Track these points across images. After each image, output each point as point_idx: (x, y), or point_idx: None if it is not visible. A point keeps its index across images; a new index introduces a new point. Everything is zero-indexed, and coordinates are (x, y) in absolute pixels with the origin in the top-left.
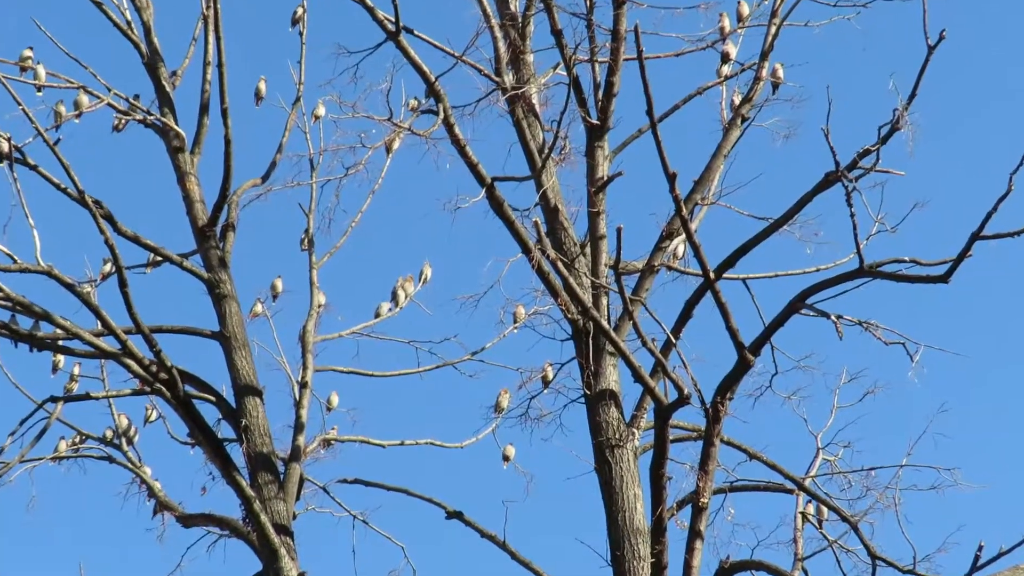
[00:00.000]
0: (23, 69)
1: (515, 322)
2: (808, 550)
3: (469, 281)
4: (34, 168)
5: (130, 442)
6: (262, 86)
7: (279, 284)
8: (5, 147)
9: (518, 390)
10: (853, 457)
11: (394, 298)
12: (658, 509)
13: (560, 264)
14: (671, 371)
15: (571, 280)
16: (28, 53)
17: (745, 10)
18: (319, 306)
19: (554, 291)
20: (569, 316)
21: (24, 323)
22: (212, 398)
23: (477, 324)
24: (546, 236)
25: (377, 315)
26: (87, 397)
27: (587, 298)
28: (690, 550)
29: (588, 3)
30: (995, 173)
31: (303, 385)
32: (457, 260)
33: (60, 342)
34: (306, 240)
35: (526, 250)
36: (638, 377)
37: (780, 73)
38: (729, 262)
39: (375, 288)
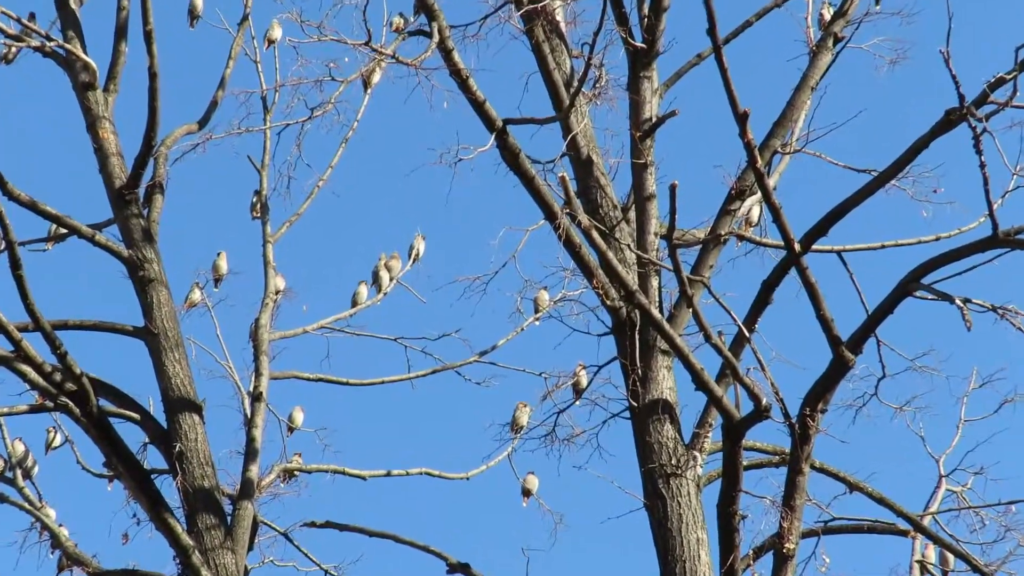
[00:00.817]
0: None
1: (536, 312)
2: None
3: (475, 258)
4: None
5: (27, 475)
6: (198, 1)
7: (223, 263)
8: None
9: (541, 402)
10: (986, 488)
11: (376, 281)
12: (729, 558)
13: (596, 234)
14: (744, 375)
15: (610, 255)
16: None
17: None
18: (276, 293)
19: (588, 270)
20: (608, 303)
21: None
22: (135, 416)
23: (486, 315)
24: (577, 197)
25: (354, 304)
26: None
27: (632, 279)
28: None
29: None
30: None
31: (256, 398)
32: (459, 230)
33: None
34: (258, 205)
35: (550, 216)
36: (700, 383)
37: None
38: (820, 229)
39: (351, 268)
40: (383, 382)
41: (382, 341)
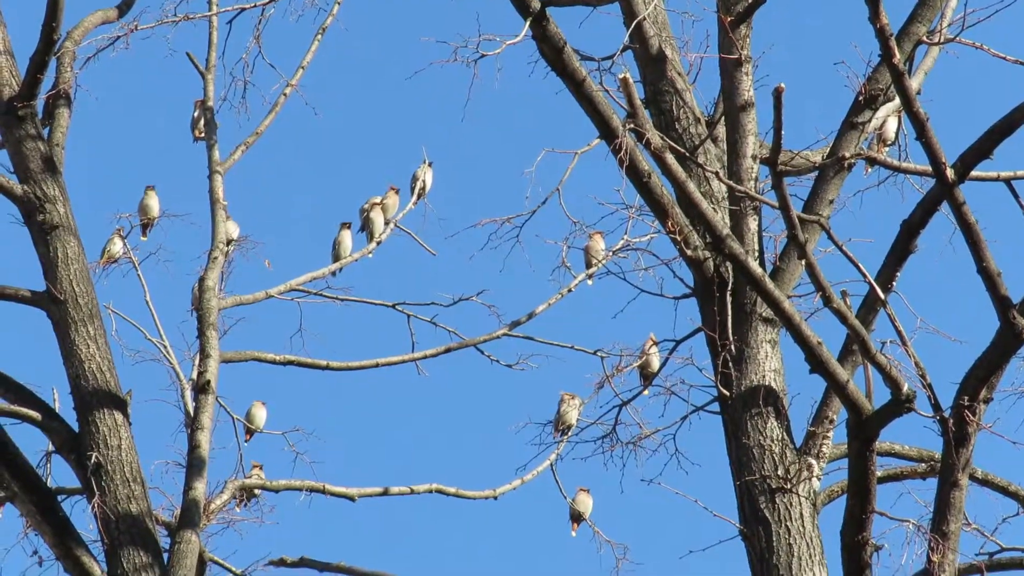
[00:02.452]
0: None
1: (588, 267)
2: None
3: (503, 194)
4: None
5: None
6: None
7: (153, 203)
8: None
9: (597, 391)
10: None
11: (367, 226)
12: None
13: (671, 157)
14: (878, 351)
15: (691, 187)
16: None
17: None
18: (228, 243)
19: (660, 208)
20: (689, 253)
21: None
22: (34, 415)
23: (519, 272)
24: (644, 107)
25: (336, 256)
26: None
27: (722, 219)
28: None
29: None
30: None
31: (201, 389)
32: (481, 156)
33: None
34: (202, 122)
35: (607, 133)
36: (817, 364)
37: None
38: (981, 150)
39: (330, 209)
40: (377, 365)
41: (376, 308)
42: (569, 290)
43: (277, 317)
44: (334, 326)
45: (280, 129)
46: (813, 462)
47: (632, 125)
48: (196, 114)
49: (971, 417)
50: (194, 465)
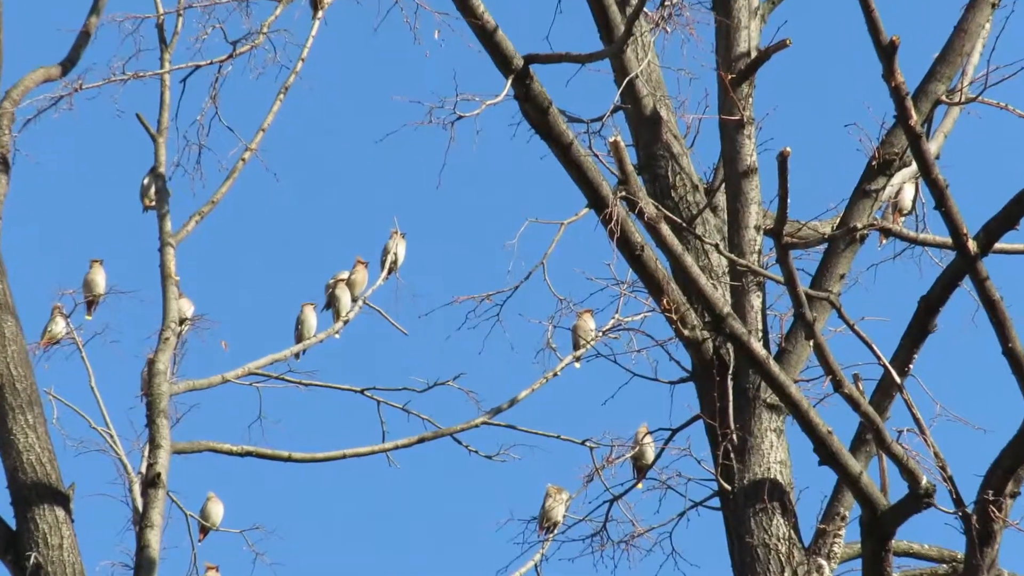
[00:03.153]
0: None
1: (576, 349)
2: None
3: (483, 269)
4: None
5: None
6: None
7: (99, 279)
8: None
9: (586, 485)
10: None
11: (332, 304)
12: None
13: (667, 229)
14: (894, 441)
15: (688, 261)
16: None
17: None
18: (181, 322)
19: (655, 284)
20: (686, 333)
21: None
22: None
23: (500, 354)
24: (638, 173)
25: (299, 337)
26: None
27: (722, 296)
28: None
29: None
30: None
31: (151, 482)
32: (459, 226)
33: None
34: (152, 189)
35: (597, 202)
36: (827, 455)
37: None
38: (1005, 220)
39: (294, 285)
40: (344, 456)
41: (343, 394)
42: (555, 374)
43: (235, 404)
44: (297, 413)
45: (238, 197)
46: (824, 563)
47: (624, 193)
48: (146, 181)
49: (997, 513)
50: (143, 567)
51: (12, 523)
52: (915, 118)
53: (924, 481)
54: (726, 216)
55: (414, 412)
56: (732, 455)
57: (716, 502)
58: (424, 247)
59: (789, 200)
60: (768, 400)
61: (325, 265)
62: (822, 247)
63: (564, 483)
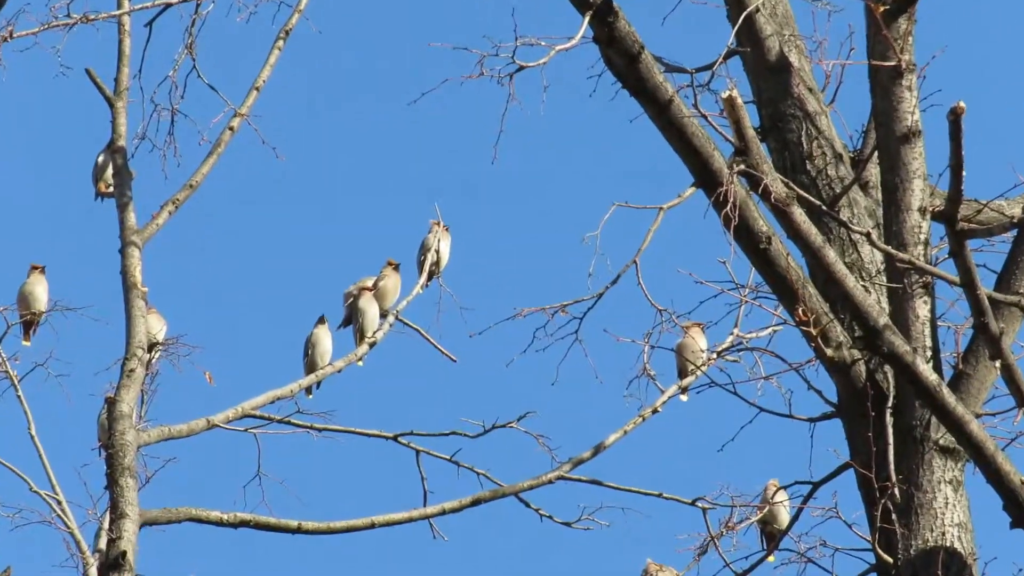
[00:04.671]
0: None
1: (682, 376)
2: None
3: (552, 272)
4: None
5: None
6: None
7: (39, 290)
8: None
9: (698, 559)
10: None
11: (354, 321)
12: None
13: (800, 213)
14: None
15: (830, 255)
16: None
17: None
18: (150, 348)
19: (786, 288)
20: (829, 353)
21: None
22: None
23: (579, 385)
24: (760, 139)
25: (310, 367)
26: None
27: (877, 303)
28: None
29: None
30: None
31: (113, 565)
32: (520, 214)
33: None
34: (109, 170)
35: (706, 178)
36: (1021, 514)
37: None
38: None
39: (301, 295)
40: (373, 526)
41: (370, 441)
42: (654, 411)
43: (225, 457)
44: (309, 468)
45: (224, 179)
46: None
47: (743, 166)
48: (101, 159)
49: None
50: None
51: None
52: None
53: None
54: (880, 196)
55: (466, 465)
56: (894, 516)
57: None
58: (475, 244)
59: (965, 173)
60: (941, 442)
61: (344, 269)
62: (1010, 235)
63: (668, 558)
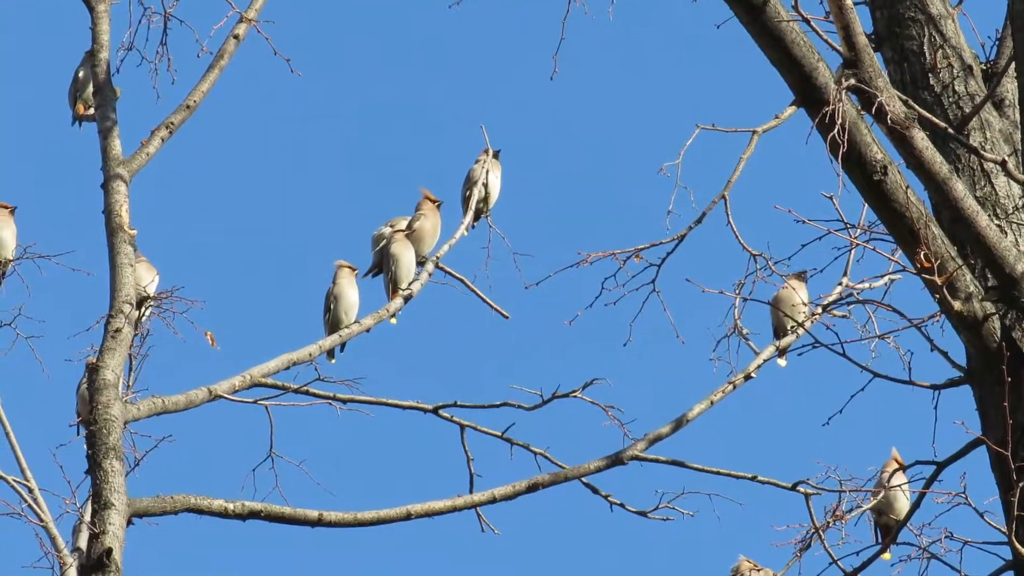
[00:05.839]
0: None
1: (779, 335)
2: None
3: (621, 207)
4: None
5: None
6: None
7: (7, 234)
8: None
9: (799, 555)
10: None
11: (385, 271)
12: None
13: (922, 138)
14: None
15: (959, 189)
16: None
17: None
18: (140, 304)
19: (905, 227)
20: (957, 307)
21: None
22: None
23: (655, 347)
24: (873, 47)
25: (332, 325)
26: None
27: (1014, 247)
28: None
29: None
30: None
31: (97, 565)
32: (584, 136)
33: None
34: (90, 89)
35: (808, 94)
36: None
37: None
38: None
39: (317, 236)
40: (409, 517)
41: (404, 414)
42: (747, 377)
43: (231, 433)
44: (331, 447)
45: (229, 99)
46: None
47: (853, 80)
48: (81, 75)
49: None
50: None
51: None
52: None
53: None
54: (1018, 115)
55: (520, 443)
56: None
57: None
58: (530, 176)
59: None
60: None
61: (371, 207)
62: None
63: (764, 553)
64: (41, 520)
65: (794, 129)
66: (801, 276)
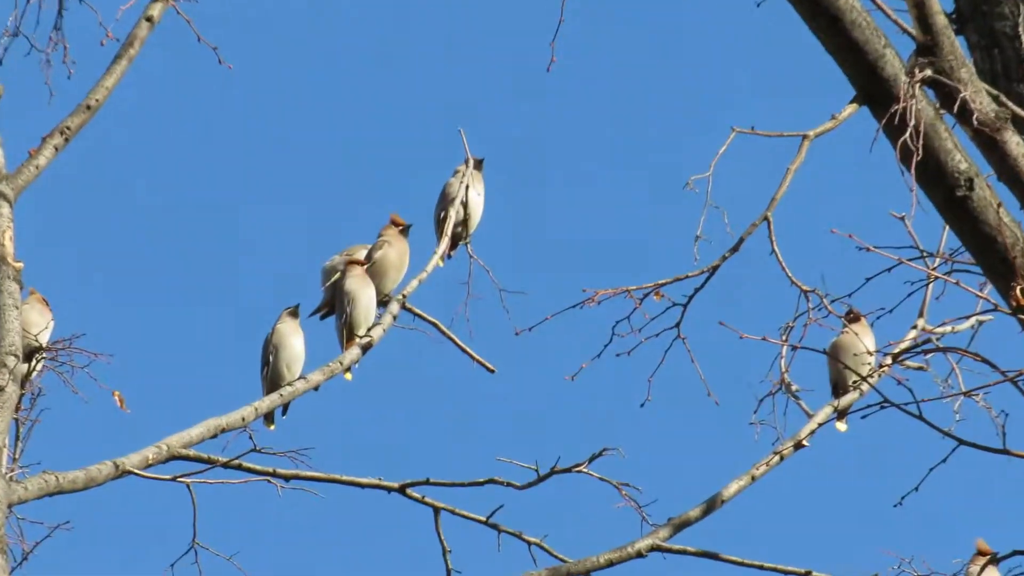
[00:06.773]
0: None
1: (839, 393)
2: None
3: (637, 234)
4: None
5: None
6: None
7: None
8: None
9: None
10: None
11: (337, 311)
12: None
13: (1017, 142)
14: None
15: None
16: None
17: None
18: (29, 356)
19: (995, 255)
20: None
21: None
22: None
23: (677, 407)
24: (953, 32)
25: (272, 383)
26: None
27: None
28: None
29: None
30: None
31: None
32: (586, 144)
33: None
34: None
35: (873, 91)
36: None
37: None
38: None
39: (257, 272)
40: None
41: (363, 494)
42: (798, 445)
43: (143, 519)
44: (266, 533)
45: (140, 96)
46: None
47: (929, 71)
48: None
49: None
50: None
51: None
52: None
53: None
54: None
55: (510, 530)
56: None
57: None
58: (521, 193)
59: None
60: None
61: (324, 233)
62: None
63: None
64: None
65: (855, 133)
66: (864, 318)
